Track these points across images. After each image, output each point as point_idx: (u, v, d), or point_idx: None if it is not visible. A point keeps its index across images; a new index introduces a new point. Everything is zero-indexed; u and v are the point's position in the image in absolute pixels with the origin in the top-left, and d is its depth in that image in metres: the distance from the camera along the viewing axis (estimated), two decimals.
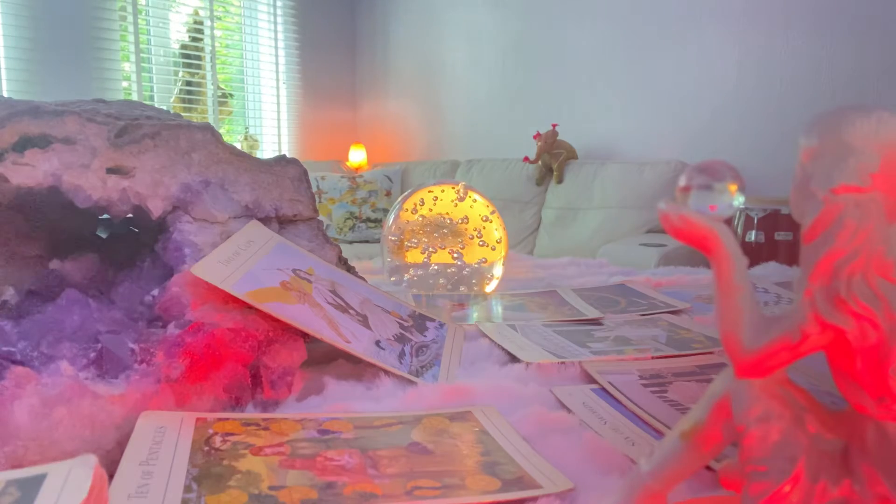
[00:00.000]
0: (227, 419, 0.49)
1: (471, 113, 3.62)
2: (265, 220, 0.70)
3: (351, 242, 3.25)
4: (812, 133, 0.29)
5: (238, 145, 2.88)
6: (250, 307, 0.58)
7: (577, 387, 0.59)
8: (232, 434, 0.47)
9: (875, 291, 0.28)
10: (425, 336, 0.71)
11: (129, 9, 3.16)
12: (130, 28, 3.18)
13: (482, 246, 0.95)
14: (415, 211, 0.96)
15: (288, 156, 0.76)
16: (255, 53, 3.79)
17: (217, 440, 0.46)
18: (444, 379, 0.61)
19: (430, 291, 0.95)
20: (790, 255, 1.97)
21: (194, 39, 3.59)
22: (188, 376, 0.51)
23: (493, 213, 0.98)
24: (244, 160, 0.70)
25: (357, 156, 3.90)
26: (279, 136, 3.88)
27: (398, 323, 0.71)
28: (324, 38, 3.99)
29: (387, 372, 0.60)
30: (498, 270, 0.98)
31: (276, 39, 3.80)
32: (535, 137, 3.01)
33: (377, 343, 0.64)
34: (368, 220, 3.36)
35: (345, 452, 0.45)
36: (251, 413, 0.53)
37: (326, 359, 0.65)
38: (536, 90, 3.32)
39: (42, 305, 0.60)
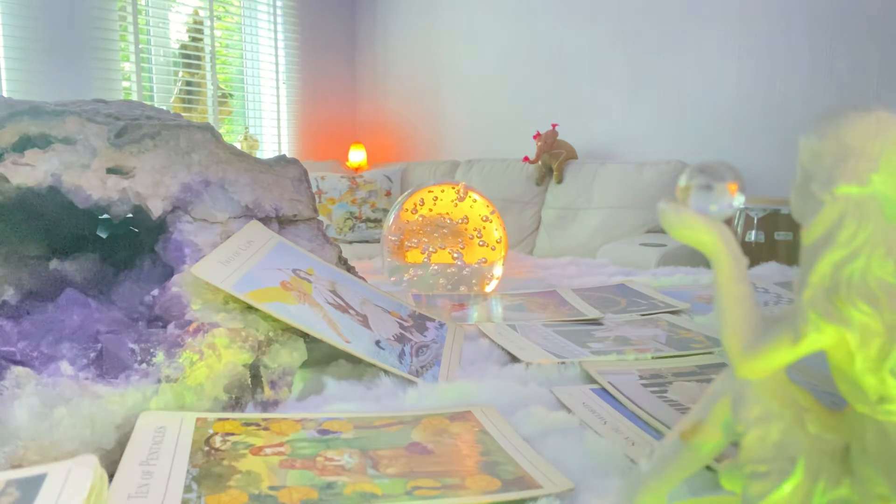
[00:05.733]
0: (227, 419, 0.49)
1: (471, 113, 3.62)
2: (265, 220, 0.70)
3: (351, 242, 3.24)
4: (812, 133, 0.29)
5: (238, 145, 2.88)
6: (250, 307, 0.58)
7: (577, 387, 0.59)
8: (232, 434, 0.47)
9: (875, 291, 0.28)
10: (425, 336, 0.71)
11: (129, 9, 3.16)
12: (130, 28, 3.18)
13: (482, 246, 0.95)
14: (415, 211, 0.96)
15: (288, 156, 0.76)
16: (255, 53, 3.78)
17: (217, 440, 0.46)
18: (444, 379, 0.61)
19: (430, 291, 0.95)
20: (790, 255, 1.97)
21: (194, 39, 3.59)
22: (188, 376, 0.51)
23: (493, 213, 0.98)
24: (244, 160, 0.70)
25: (357, 156, 3.90)
26: (279, 136, 3.87)
27: (398, 323, 0.71)
28: (324, 38, 3.99)
29: (387, 372, 0.60)
30: (498, 270, 0.98)
31: (276, 39, 3.80)
32: (535, 137, 3.01)
33: (377, 343, 0.64)
34: (368, 220, 3.35)
35: (345, 452, 0.45)
36: (251, 413, 0.52)
37: (326, 359, 0.65)
38: (536, 90, 3.32)
39: (42, 305, 0.60)
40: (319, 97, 3.98)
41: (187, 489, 0.39)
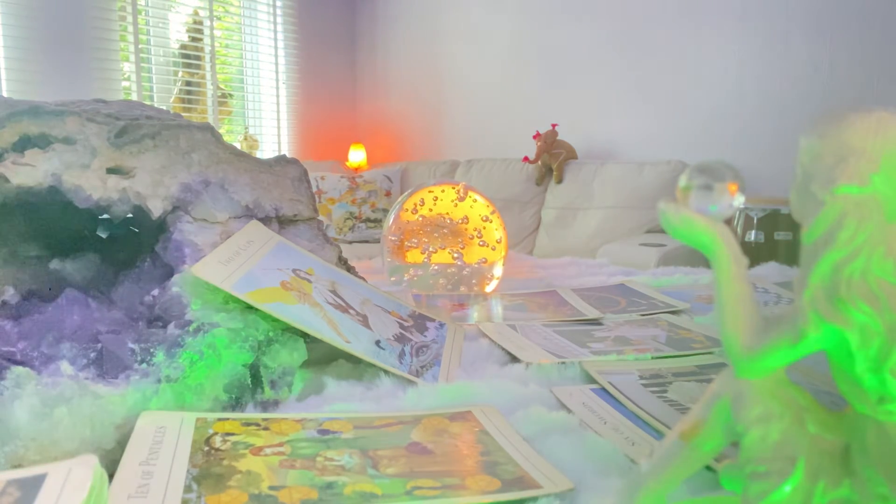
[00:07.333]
0: (227, 419, 0.49)
1: (471, 113, 3.62)
2: (265, 220, 0.70)
3: (351, 242, 3.24)
4: (812, 133, 0.29)
5: (238, 145, 2.88)
6: (250, 307, 0.58)
7: (577, 387, 0.59)
8: (232, 434, 0.47)
9: (875, 291, 0.28)
10: (425, 336, 0.71)
11: (129, 9, 3.16)
12: (130, 28, 3.18)
13: (482, 246, 0.95)
14: (415, 211, 0.96)
15: (288, 156, 0.76)
16: (255, 53, 3.78)
17: (217, 440, 0.46)
18: (444, 379, 0.61)
19: (430, 291, 0.95)
20: (790, 255, 1.97)
21: (194, 39, 3.59)
22: (188, 376, 0.51)
23: (493, 213, 0.98)
24: (244, 160, 0.70)
25: (357, 156, 3.90)
26: (279, 136, 3.87)
27: (398, 323, 0.71)
28: (324, 38, 3.99)
29: (387, 372, 0.60)
30: (498, 270, 0.98)
31: (276, 39, 3.80)
32: (534, 137, 3.01)
33: (377, 343, 0.64)
34: (368, 220, 3.35)
35: (345, 452, 0.45)
36: (251, 413, 0.52)
37: (326, 359, 0.65)
38: (536, 90, 3.32)
39: (42, 305, 0.60)
40: (319, 97, 3.98)
41: (187, 489, 0.39)
